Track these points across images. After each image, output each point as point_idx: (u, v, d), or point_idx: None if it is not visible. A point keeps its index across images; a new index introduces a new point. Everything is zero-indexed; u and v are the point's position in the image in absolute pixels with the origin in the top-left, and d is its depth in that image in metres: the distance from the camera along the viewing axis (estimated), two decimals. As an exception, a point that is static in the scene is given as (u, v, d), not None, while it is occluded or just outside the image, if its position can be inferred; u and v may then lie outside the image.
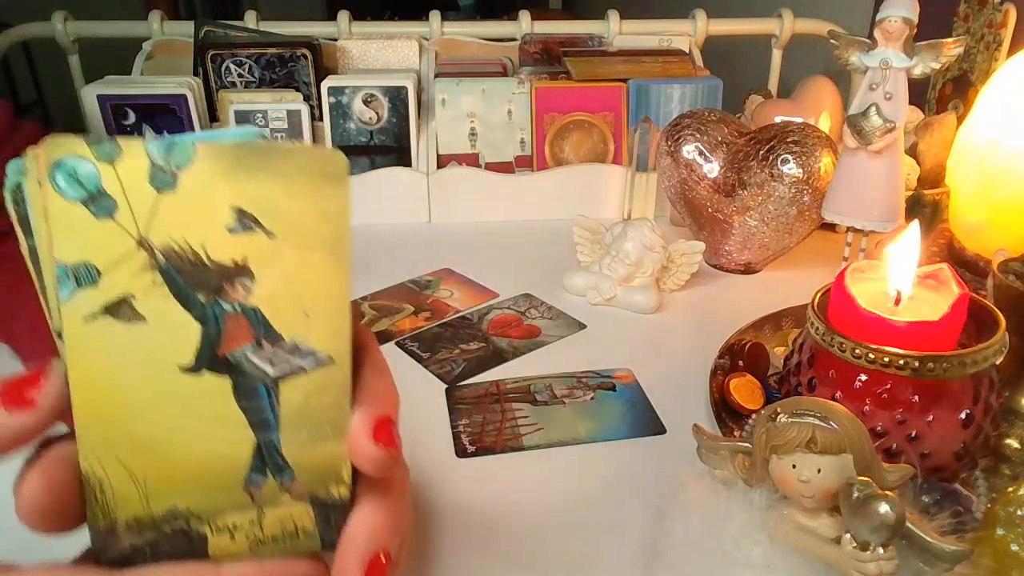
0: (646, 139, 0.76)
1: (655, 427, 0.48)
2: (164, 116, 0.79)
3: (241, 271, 0.21)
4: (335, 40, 0.89)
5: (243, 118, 0.80)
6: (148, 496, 0.22)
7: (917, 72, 0.56)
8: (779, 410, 0.31)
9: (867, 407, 0.38)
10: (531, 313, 0.63)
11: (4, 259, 0.49)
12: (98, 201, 0.20)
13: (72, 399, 0.21)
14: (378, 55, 0.89)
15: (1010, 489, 0.33)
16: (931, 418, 0.37)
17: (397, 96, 0.81)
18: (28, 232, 0.22)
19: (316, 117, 0.83)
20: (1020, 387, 0.43)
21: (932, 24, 0.71)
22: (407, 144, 0.83)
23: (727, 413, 0.47)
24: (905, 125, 0.59)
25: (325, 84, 0.80)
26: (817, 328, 0.40)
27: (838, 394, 0.39)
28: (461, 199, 0.83)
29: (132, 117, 0.79)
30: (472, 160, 0.84)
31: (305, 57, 0.83)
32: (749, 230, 0.67)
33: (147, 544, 0.23)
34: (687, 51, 0.92)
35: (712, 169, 0.67)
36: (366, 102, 0.81)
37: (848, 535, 0.28)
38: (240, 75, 0.83)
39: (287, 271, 0.22)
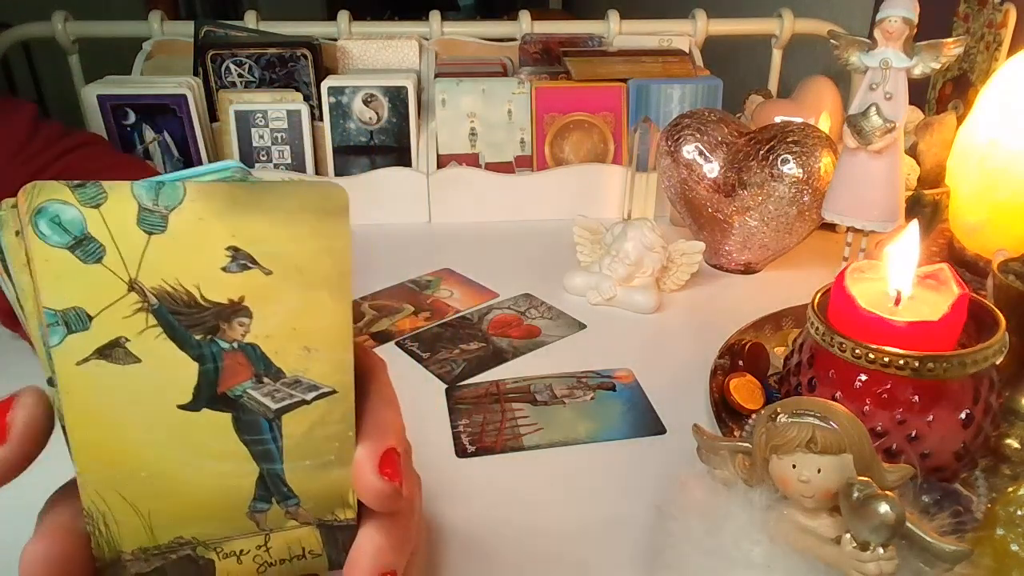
0: (646, 139, 0.76)
1: (655, 427, 0.48)
2: (164, 116, 0.79)
3: (238, 310, 0.21)
4: (335, 40, 0.89)
5: (243, 118, 0.80)
6: (153, 528, 0.22)
7: (917, 72, 0.56)
8: (779, 410, 0.31)
9: (867, 407, 0.38)
10: (531, 313, 0.63)
11: None
12: (85, 246, 0.20)
13: (70, 440, 0.21)
14: (378, 55, 0.89)
15: (1010, 489, 0.33)
16: (931, 418, 0.37)
17: (397, 96, 0.81)
18: (12, 282, 0.21)
19: (316, 117, 0.83)
20: (1020, 387, 0.43)
21: (932, 24, 0.71)
22: (407, 144, 0.83)
23: (727, 413, 0.47)
24: (905, 125, 0.59)
25: (325, 84, 0.80)
26: (817, 328, 0.40)
27: (838, 394, 0.39)
28: (461, 199, 0.83)
29: (132, 117, 0.79)
30: (472, 160, 0.84)
31: (305, 57, 0.83)
32: (749, 230, 0.67)
33: (154, 572, 0.23)
34: (687, 51, 0.92)
35: (712, 169, 0.67)
36: (366, 102, 0.81)
37: (848, 535, 0.28)
38: (240, 75, 0.83)
39: (287, 308, 0.21)
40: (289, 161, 0.82)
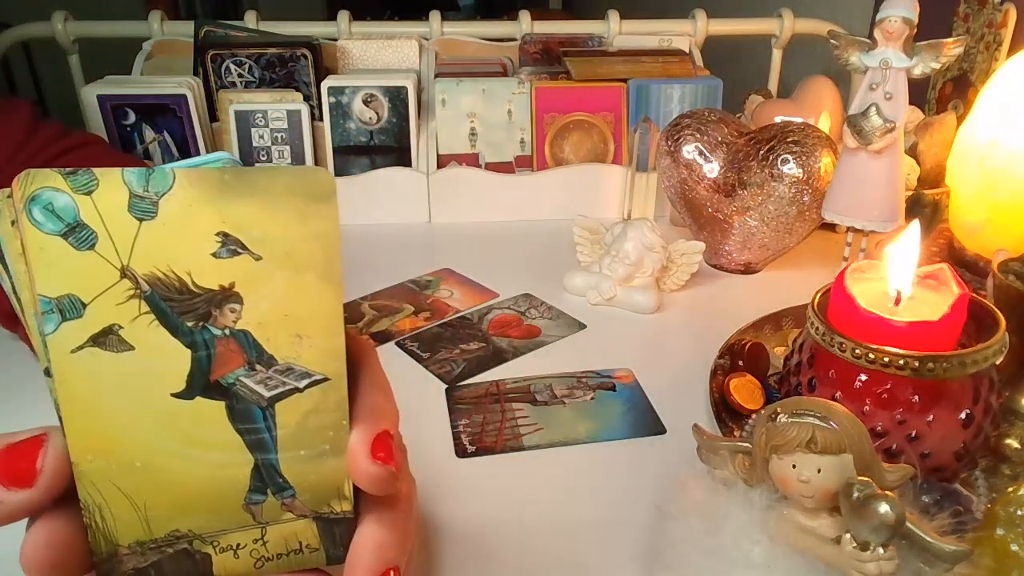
0: (646, 139, 0.76)
1: (655, 427, 0.48)
2: (164, 116, 0.79)
3: (229, 296, 0.21)
4: (335, 40, 0.89)
5: (243, 118, 0.80)
6: (149, 520, 0.22)
7: (917, 72, 0.56)
8: (779, 410, 0.31)
9: (867, 407, 0.38)
10: (531, 313, 0.63)
11: None
12: (77, 233, 0.20)
13: (65, 430, 0.21)
14: (378, 55, 0.89)
15: (1010, 489, 0.33)
16: (931, 418, 0.37)
17: (397, 96, 0.81)
18: (8, 273, 0.21)
19: (316, 117, 0.83)
20: (1020, 387, 0.43)
21: (932, 24, 0.71)
22: (407, 144, 0.83)
23: (727, 413, 0.47)
24: (905, 125, 0.59)
25: (325, 84, 0.80)
26: (817, 328, 0.40)
27: (838, 394, 0.39)
28: (461, 199, 0.83)
29: (132, 117, 0.79)
30: (472, 160, 0.84)
31: (305, 57, 0.83)
32: (749, 230, 0.67)
33: (151, 566, 0.23)
34: (687, 51, 0.92)
35: (712, 169, 0.67)
36: (366, 102, 0.81)
37: (848, 535, 0.28)
38: (240, 75, 0.83)
39: (277, 294, 0.21)
40: (289, 161, 0.82)
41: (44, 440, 0.21)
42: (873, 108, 0.57)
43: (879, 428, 0.37)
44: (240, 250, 0.21)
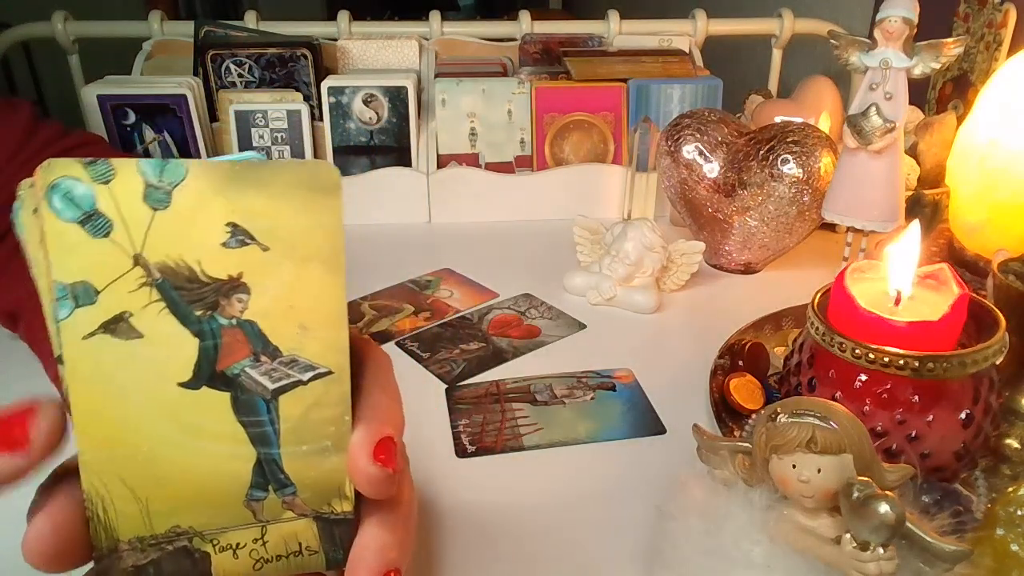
0: (646, 139, 0.76)
1: (655, 427, 0.48)
2: (164, 116, 0.79)
3: (237, 285, 0.22)
4: (335, 40, 0.89)
5: (243, 118, 0.80)
6: (150, 514, 0.22)
7: (917, 72, 0.56)
8: (779, 410, 0.31)
9: (867, 407, 0.38)
10: (531, 313, 0.63)
11: (27, 262, 0.49)
12: (94, 221, 0.20)
13: (73, 417, 0.21)
14: (378, 55, 0.89)
15: (1010, 489, 0.33)
16: (931, 418, 0.37)
17: (397, 96, 0.81)
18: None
19: (316, 117, 0.83)
20: (1020, 387, 0.43)
21: (932, 24, 0.71)
22: (407, 144, 0.83)
23: (727, 413, 0.47)
24: (905, 125, 0.59)
25: (325, 84, 0.80)
26: (817, 328, 0.40)
27: (838, 394, 0.39)
28: (461, 199, 0.83)
29: (132, 117, 0.79)
30: (472, 160, 0.84)
31: (305, 57, 0.83)
32: (749, 230, 0.67)
33: (150, 563, 0.23)
34: (687, 51, 0.92)
35: (712, 169, 0.67)
36: (366, 102, 0.81)
37: (848, 535, 0.28)
38: (240, 75, 0.83)
39: (283, 284, 0.22)
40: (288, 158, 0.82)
41: (36, 409, 0.21)
42: (873, 108, 0.57)
43: (879, 428, 0.37)
44: (248, 240, 0.21)
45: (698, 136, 0.67)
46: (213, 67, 0.82)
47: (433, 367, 0.55)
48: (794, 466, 0.30)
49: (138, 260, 0.21)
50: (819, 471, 0.29)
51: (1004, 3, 0.78)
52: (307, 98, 0.82)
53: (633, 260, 0.62)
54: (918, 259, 0.40)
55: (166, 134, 0.80)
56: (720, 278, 0.70)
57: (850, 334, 0.38)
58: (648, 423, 0.48)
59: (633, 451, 0.46)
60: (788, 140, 0.64)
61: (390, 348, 0.58)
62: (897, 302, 0.40)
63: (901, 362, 0.36)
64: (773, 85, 1.01)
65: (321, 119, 0.82)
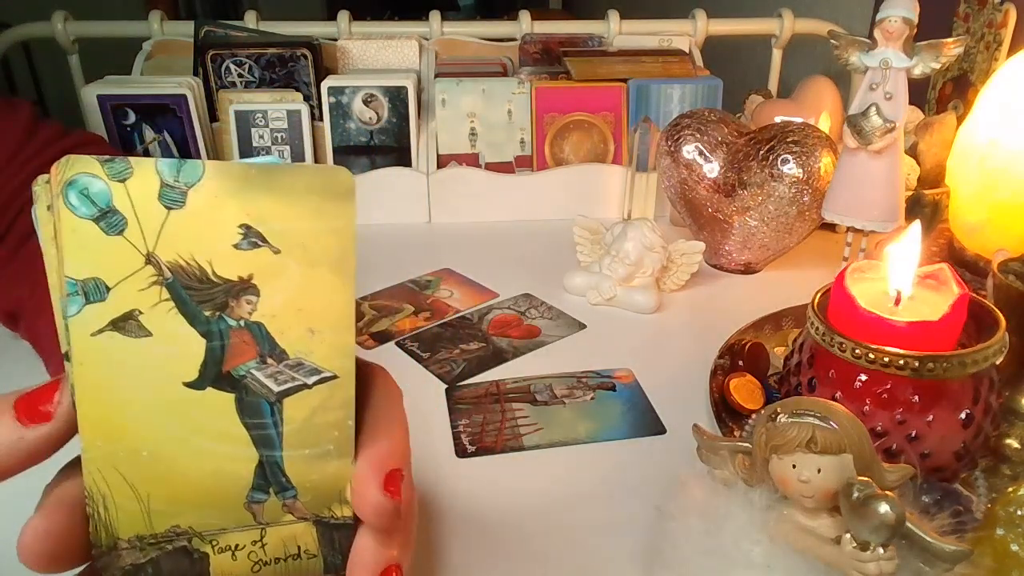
0: (646, 139, 0.76)
1: (655, 427, 0.48)
2: (164, 116, 0.79)
3: (247, 287, 0.22)
4: (335, 40, 0.89)
5: (243, 118, 0.80)
6: (151, 513, 0.23)
7: (917, 72, 0.56)
8: (779, 410, 0.31)
9: (867, 407, 0.38)
10: (531, 313, 0.63)
11: (29, 258, 0.49)
12: (109, 218, 0.21)
13: (78, 413, 0.22)
14: (378, 55, 0.89)
15: (1010, 489, 0.33)
16: (931, 418, 0.37)
17: (397, 96, 0.81)
18: None
19: (316, 117, 0.83)
20: (1020, 387, 0.43)
21: (932, 24, 0.71)
22: (407, 144, 0.83)
23: (727, 413, 0.47)
24: (905, 125, 0.59)
25: (325, 84, 0.80)
26: (817, 328, 0.40)
27: (838, 394, 0.39)
28: (461, 199, 0.83)
29: (132, 117, 0.79)
30: (472, 160, 0.84)
31: (305, 57, 0.83)
32: (749, 230, 0.67)
33: (149, 562, 0.23)
34: (687, 51, 0.92)
35: (712, 169, 0.67)
36: (366, 102, 0.81)
37: (848, 535, 0.28)
38: (240, 75, 0.83)
39: (292, 287, 0.22)
40: (289, 161, 0.82)
41: (61, 380, 0.22)
42: (873, 108, 0.57)
43: (879, 428, 0.37)
44: (260, 243, 0.21)
45: (698, 136, 0.67)
46: (213, 67, 0.82)
47: (433, 367, 0.55)
48: (794, 466, 0.30)
49: (150, 259, 0.21)
50: (819, 471, 0.29)
51: (1004, 3, 0.78)
52: (307, 98, 0.82)
53: (633, 260, 0.62)
54: (918, 259, 0.40)
55: (166, 134, 0.80)
56: (720, 278, 0.70)
57: (850, 334, 0.38)
58: (648, 423, 0.48)
59: (633, 451, 0.46)
60: (788, 140, 0.64)
61: (390, 348, 0.58)
62: (897, 302, 0.40)
63: (901, 362, 0.36)
64: (773, 85, 1.01)
65: (321, 119, 0.82)
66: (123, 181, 0.21)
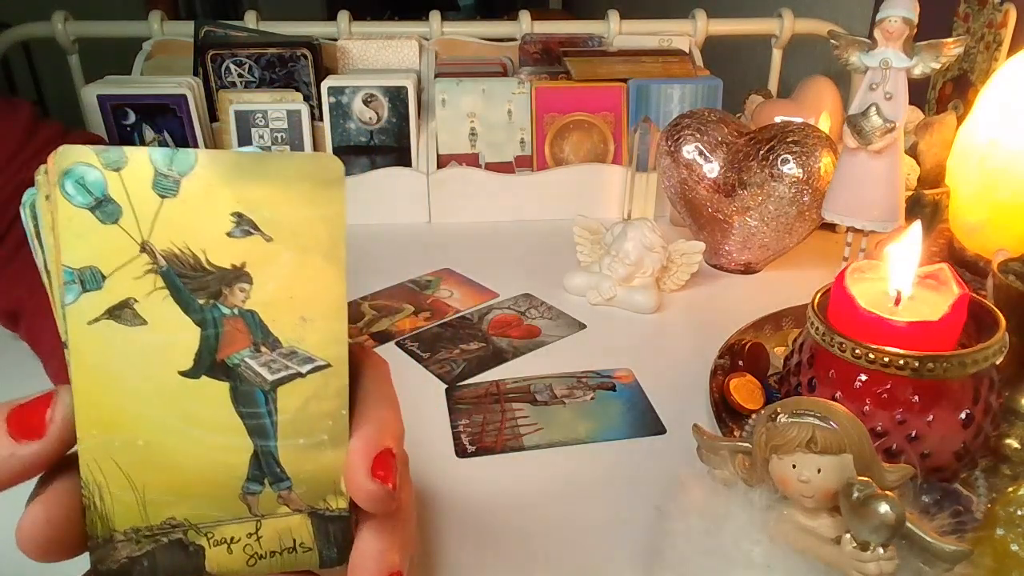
0: (646, 139, 0.76)
1: (655, 427, 0.48)
2: (164, 116, 0.79)
3: (240, 275, 0.22)
4: (335, 40, 0.89)
5: (243, 118, 0.80)
6: (146, 504, 0.23)
7: (917, 72, 0.56)
8: (779, 410, 0.31)
9: (867, 407, 0.38)
10: (531, 313, 0.63)
11: (27, 261, 0.49)
12: (104, 207, 0.21)
13: (75, 402, 0.22)
14: (378, 55, 0.89)
15: (1010, 489, 0.33)
16: (931, 418, 0.37)
17: (397, 96, 0.81)
18: (42, 246, 0.22)
19: (316, 117, 0.83)
20: (1020, 387, 0.43)
21: (932, 24, 0.71)
22: (407, 144, 0.83)
23: (727, 413, 0.47)
24: (905, 125, 0.59)
25: (325, 84, 0.80)
26: (817, 328, 0.40)
27: (838, 394, 0.39)
28: (461, 199, 0.83)
29: (132, 117, 0.79)
30: (472, 160, 0.84)
31: (305, 57, 0.83)
32: (749, 230, 0.67)
33: (144, 555, 0.23)
34: (687, 51, 0.92)
35: (712, 169, 0.67)
36: (366, 102, 0.81)
37: (848, 535, 0.28)
38: (240, 75, 0.83)
39: (284, 274, 0.22)
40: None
41: (53, 396, 0.22)
42: (873, 108, 0.57)
43: (879, 428, 0.37)
44: (253, 230, 0.22)
45: (698, 136, 0.67)
46: (213, 67, 0.82)
47: (433, 367, 0.55)
48: (794, 466, 0.30)
49: (145, 247, 0.21)
50: (819, 471, 0.29)
51: (1004, 3, 0.78)
52: (307, 98, 0.82)
53: (633, 260, 0.62)
54: (918, 259, 0.40)
55: (166, 134, 0.80)
56: (720, 278, 0.70)
57: (850, 334, 0.38)
58: (648, 423, 0.49)
59: (633, 451, 0.46)
60: (788, 140, 0.64)
61: (390, 348, 0.58)
62: (897, 302, 0.40)
63: (901, 362, 0.36)
64: (773, 85, 1.01)
65: (321, 119, 0.82)
66: (118, 170, 0.21)
